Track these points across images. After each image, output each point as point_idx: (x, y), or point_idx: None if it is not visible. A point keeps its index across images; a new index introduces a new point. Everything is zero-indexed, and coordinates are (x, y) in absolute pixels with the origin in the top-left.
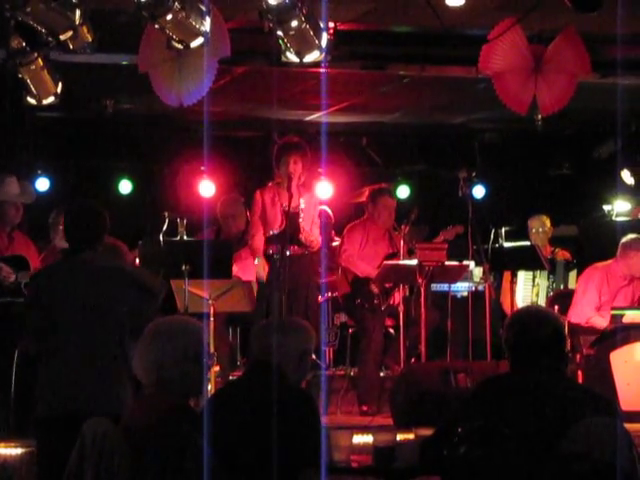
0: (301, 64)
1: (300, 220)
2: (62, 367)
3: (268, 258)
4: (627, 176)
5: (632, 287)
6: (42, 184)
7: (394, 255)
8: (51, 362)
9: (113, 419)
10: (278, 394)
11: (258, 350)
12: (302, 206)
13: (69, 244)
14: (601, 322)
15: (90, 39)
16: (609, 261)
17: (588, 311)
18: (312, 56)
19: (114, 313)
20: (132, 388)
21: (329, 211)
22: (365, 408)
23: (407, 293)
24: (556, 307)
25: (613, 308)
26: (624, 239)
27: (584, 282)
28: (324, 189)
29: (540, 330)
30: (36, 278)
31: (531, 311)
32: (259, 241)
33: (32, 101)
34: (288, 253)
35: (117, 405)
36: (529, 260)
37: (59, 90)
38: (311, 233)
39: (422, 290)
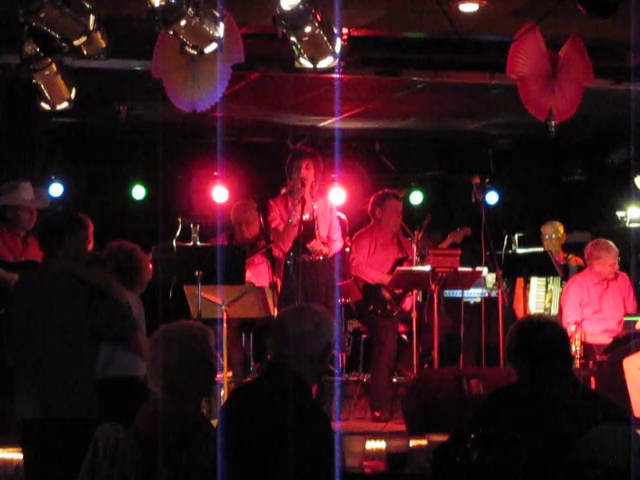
0: (315, 70)
1: (316, 226)
2: (25, 373)
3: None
4: None
5: (614, 287)
6: (56, 190)
7: (404, 260)
8: (18, 368)
9: (75, 423)
10: (294, 408)
11: (275, 350)
12: (315, 212)
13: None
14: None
15: (104, 45)
16: (584, 270)
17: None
18: (326, 62)
19: (65, 317)
20: (94, 391)
21: (343, 217)
22: (378, 414)
23: (420, 299)
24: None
25: (626, 315)
26: (587, 245)
27: (563, 300)
28: (337, 195)
29: (541, 337)
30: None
31: (532, 319)
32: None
33: (46, 107)
34: (302, 259)
35: (77, 409)
36: (542, 266)
37: (73, 96)
38: (324, 240)
39: (435, 296)
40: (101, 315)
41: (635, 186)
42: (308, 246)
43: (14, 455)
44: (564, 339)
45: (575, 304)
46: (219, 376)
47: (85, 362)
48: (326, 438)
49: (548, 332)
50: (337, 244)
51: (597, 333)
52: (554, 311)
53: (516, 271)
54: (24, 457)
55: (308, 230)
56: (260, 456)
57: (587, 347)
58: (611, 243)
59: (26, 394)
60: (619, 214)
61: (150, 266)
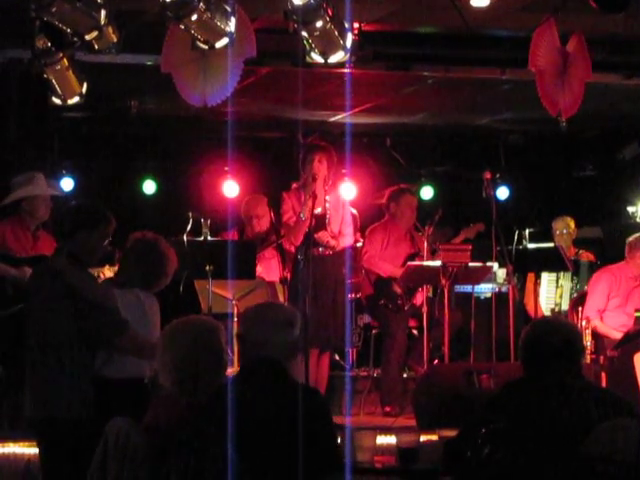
0: (326, 65)
1: (327, 221)
2: (27, 371)
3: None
4: None
5: None
6: (67, 184)
7: (416, 255)
8: (23, 368)
9: (69, 423)
10: (289, 394)
11: (257, 341)
12: (328, 205)
13: None
14: (600, 326)
15: (115, 39)
16: (620, 262)
17: (590, 314)
18: (337, 57)
19: (57, 317)
20: (90, 391)
21: (355, 212)
22: (388, 409)
23: (430, 294)
24: (580, 308)
25: (637, 310)
26: (630, 238)
27: (591, 285)
28: (348, 190)
29: (551, 339)
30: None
31: (543, 322)
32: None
33: (57, 101)
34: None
35: (72, 409)
36: (553, 261)
37: (84, 90)
38: (334, 234)
39: (446, 291)
40: (78, 317)
41: None
42: (316, 236)
43: (25, 450)
44: (571, 345)
45: (603, 292)
46: (229, 371)
47: (80, 362)
48: (328, 412)
49: (555, 338)
50: (347, 239)
51: (616, 326)
52: (565, 306)
53: (527, 266)
54: (39, 452)
55: (319, 224)
56: (269, 445)
57: (598, 342)
58: None
59: (27, 392)
60: (630, 209)
61: (175, 257)
